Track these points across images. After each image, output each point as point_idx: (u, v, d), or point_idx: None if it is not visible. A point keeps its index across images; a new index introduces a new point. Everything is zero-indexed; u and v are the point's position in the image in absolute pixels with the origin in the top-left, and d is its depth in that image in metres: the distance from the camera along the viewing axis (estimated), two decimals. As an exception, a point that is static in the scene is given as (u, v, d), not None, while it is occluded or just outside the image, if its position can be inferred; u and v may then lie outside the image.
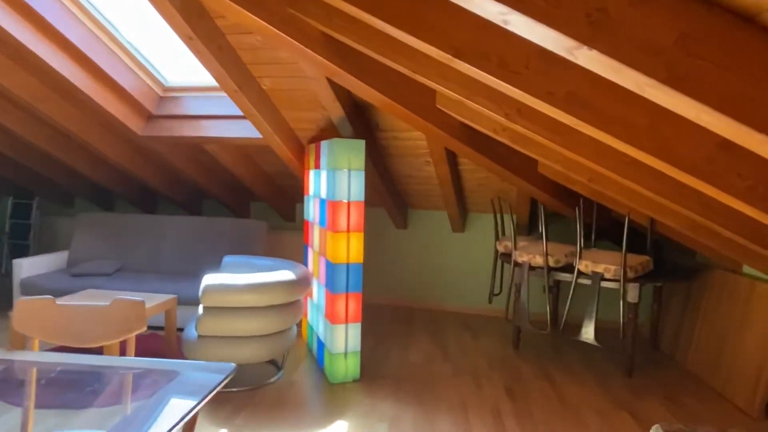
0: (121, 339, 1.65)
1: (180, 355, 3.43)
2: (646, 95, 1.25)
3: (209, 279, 2.87)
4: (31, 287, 4.11)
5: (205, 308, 2.86)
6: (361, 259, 3.16)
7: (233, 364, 1.44)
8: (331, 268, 3.13)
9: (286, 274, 3.03)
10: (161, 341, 3.76)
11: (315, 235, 3.61)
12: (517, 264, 3.74)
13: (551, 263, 3.48)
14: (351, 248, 3.13)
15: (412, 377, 3.29)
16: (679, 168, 1.67)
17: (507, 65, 1.65)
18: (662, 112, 1.62)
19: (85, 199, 5.62)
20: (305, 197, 3.90)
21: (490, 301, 4.29)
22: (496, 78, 1.68)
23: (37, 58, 3.13)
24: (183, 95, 3.94)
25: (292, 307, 3.07)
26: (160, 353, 3.51)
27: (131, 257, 4.65)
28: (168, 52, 3.83)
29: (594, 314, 3.31)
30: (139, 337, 3.82)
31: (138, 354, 3.48)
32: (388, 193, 4.38)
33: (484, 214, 4.85)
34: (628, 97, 1.60)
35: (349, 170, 3.08)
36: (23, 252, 5.71)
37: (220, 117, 3.83)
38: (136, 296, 3.48)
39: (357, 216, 3.12)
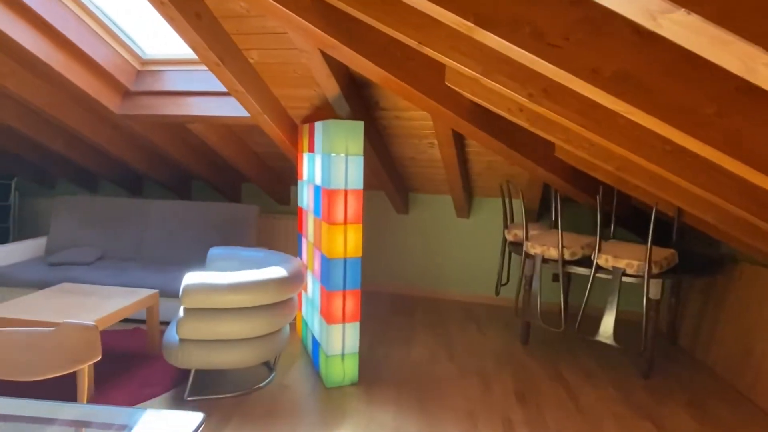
0: (69, 371, 1.36)
1: (163, 355, 3.17)
2: (754, 78, 0.93)
3: (190, 277, 2.58)
4: (4, 278, 3.81)
5: (186, 310, 2.58)
6: (359, 253, 2.86)
7: (202, 415, 1.15)
8: (326, 263, 2.83)
9: (276, 271, 2.74)
10: (144, 338, 3.50)
11: (309, 224, 3.30)
12: (528, 255, 3.45)
13: (567, 256, 3.20)
14: (348, 242, 2.83)
15: (414, 380, 3.04)
16: (749, 165, 1.36)
17: (543, 36, 1.32)
18: (732, 98, 1.31)
19: (68, 181, 5.28)
20: (299, 182, 3.59)
21: (497, 293, 4.02)
22: (528, 51, 1.35)
23: (-6, 26, 2.76)
24: (163, 69, 3.58)
25: (283, 306, 2.79)
26: (142, 352, 3.25)
27: (114, 244, 4.35)
28: (146, 20, 3.45)
29: (614, 313, 3.04)
30: (121, 333, 3.55)
31: (120, 352, 3.21)
32: (388, 177, 4.06)
33: (490, 198, 4.55)
34: (696, 78, 1.28)
35: (347, 155, 2.75)
36: (3, 236, 5.40)
37: (204, 93, 3.47)
38: (119, 289, 3.20)
39: (355, 206, 2.82)
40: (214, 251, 3.26)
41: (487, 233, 4.60)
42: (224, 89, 3.39)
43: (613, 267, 3.04)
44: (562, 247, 3.18)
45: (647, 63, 1.33)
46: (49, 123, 4.15)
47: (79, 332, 1.37)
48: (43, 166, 4.91)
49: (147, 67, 3.59)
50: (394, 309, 4.40)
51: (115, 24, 3.32)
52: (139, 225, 4.39)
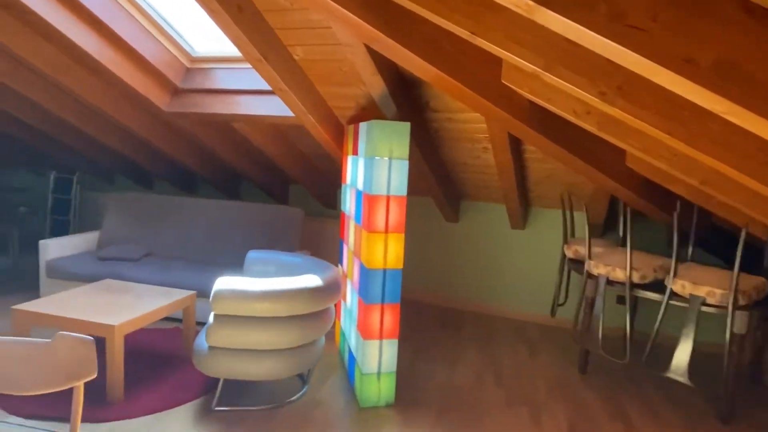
0: (62, 388, 1.23)
1: (197, 359, 3.08)
2: None
3: (221, 282, 2.46)
4: (56, 270, 3.90)
5: (216, 316, 2.46)
6: (400, 265, 2.65)
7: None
8: (365, 273, 2.64)
9: (311, 279, 2.57)
10: (182, 338, 3.44)
11: (350, 231, 3.13)
12: (590, 276, 3.11)
13: (636, 279, 2.84)
14: (389, 251, 2.62)
15: (457, 405, 2.78)
16: None
17: (622, 16, 1.06)
18: None
19: (125, 177, 5.41)
20: (342, 186, 3.42)
21: (553, 314, 3.69)
22: (603, 36, 1.09)
23: (50, 25, 2.78)
24: (212, 67, 3.53)
25: (318, 317, 2.62)
26: (179, 353, 3.18)
27: (161, 241, 4.38)
28: (196, 17, 3.41)
29: (689, 347, 2.65)
30: (160, 332, 3.52)
31: (157, 352, 3.17)
32: (437, 182, 3.82)
33: (549, 209, 4.20)
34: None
35: (390, 159, 2.55)
36: (64, 228, 5.61)
37: (250, 92, 3.39)
38: (156, 288, 3.16)
39: (397, 214, 2.61)
40: (252, 255, 3.15)
41: (544, 247, 4.25)
42: (270, 88, 3.28)
43: (691, 295, 2.65)
44: (631, 268, 2.82)
45: (759, 50, 1.04)
46: (105, 120, 4.23)
47: (74, 347, 1.24)
48: (102, 162, 5.05)
49: (196, 65, 3.55)
50: (440, 323, 4.14)
51: (165, 21, 3.30)
52: (187, 223, 4.39)
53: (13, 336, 2.67)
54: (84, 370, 1.25)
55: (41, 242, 3.97)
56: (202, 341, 2.56)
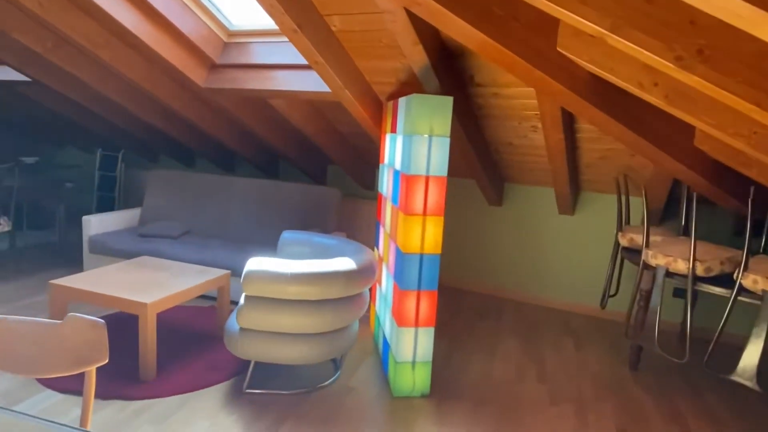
0: (74, 372, 1.16)
1: (230, 339, 3.05)
2: None
3: (253, 263, 2.38)
4: (98, 245, 3.96)
5: (247, 297, 2.39)
6: (438, 250, 2.49)
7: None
8: (400, 258, 2.50)
9: (345, 263, 2.46)
10: (216, 317, 3.42)
11: (387, 213, 2.98)
12: (647, 266, 2.85)
13: (699, 271, 2.57)
14: (427, 235, 2.46)
15: (495, 399, 2.63)
16: None
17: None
18: None
19: (168, 155, 5.45)
20: (380, 165, 3.27)
21: (603, 306, 3.45)
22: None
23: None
24: (249, 41, 3.42)
25: (352, 301, 2.51)
26: (213, 332, 3.16)
27: (200, 219, 4.38)
28: (233, -11, 3.30)
29: (759, 349, 2.39)
30: (197, 310, 3.52)
31: (192, 330, 3.15)
32: (481, 164, 3.61)
33: (601, 194, 3.92)
34: None
35: (430, 136, 2.38)
36: (109, 204, 5.73)
37: (286, 67, 3.27)
38: (192, 266, 3.13)
39: (437, 195, 2.44)
40: (286, 235, 3.07)
41: (595, 234, 3.98)
42: (306, 62, 3.15)
43: (764, 291, 2.37)
44: (695, 260, 2.56)
45: None
46: (145, 97, 4.22)
47: (84, 329, 1.16)
48: (145, 140, 5.09)
49: (233, 39, 3.46)
50: (480, 311, 3.97)
51: (202, -7, 3.21)
52: (225, 202, 4.37)
53: (50, 311, 2.71)
54: (95, 354, 1.17)
55: (84, 218, 4.04)
56: (233, 322, 2.50)
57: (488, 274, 4.37)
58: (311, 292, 2.33)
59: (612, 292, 3.85)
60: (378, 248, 3.31)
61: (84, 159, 6.21)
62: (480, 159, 3.53)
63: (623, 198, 3.63)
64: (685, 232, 3.23)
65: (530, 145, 3.44)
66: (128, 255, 3.87)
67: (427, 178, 2.42)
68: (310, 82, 3.19)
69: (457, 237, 4.45)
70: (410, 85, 2.99)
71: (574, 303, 4.10)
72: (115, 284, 2.72)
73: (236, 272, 3.58)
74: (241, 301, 2.41)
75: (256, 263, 2.37)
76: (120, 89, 4.04)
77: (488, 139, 3.53)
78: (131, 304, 2.51)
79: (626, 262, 3.92)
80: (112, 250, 3.93)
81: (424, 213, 2.44)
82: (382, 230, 3.17)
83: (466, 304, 4.12)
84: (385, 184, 3.08)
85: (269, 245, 4.08)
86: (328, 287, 2.35)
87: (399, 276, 2.53)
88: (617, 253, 3.42)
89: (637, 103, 2.31)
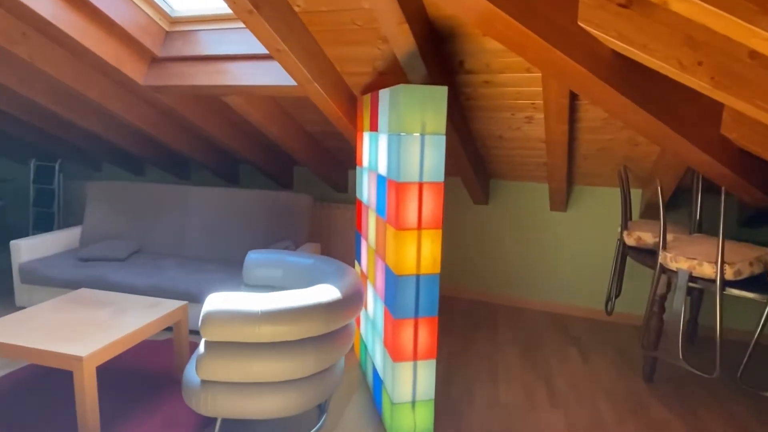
0: None
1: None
2: None
3: (214, 301, 1.93)
4: (31, 274, 3.39)
5: (207, 344, 1.94)
6: (437, 268, 2.10)
7: None
8: (393, 281, 2.10)
9: (326, 292, 2.04)
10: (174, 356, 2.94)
11: (370, 224, 2.57)
12: (665, 269, 2.55)
13: (729, 275, 2.28)
14: (423, 253, 2.07)
15: (508, 436, 2.27)
16: None
17: None
18: None
19: (112, 164, 4.85)
20: (357, 168, 2.86)
21: (609, 312, 3.15)
22: None
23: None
24: (195, 28, 2.93)
25: (336, 337, 2.09)
26: (170, 374, 2.69)
27: (151, 236, 3.85)
28: (174, -31, 2.80)
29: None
30: (149, 345, 3.02)
31: (144, 372, 2.67)
32: (468, 160, 3.24)
33: (594, 187, 3.62)
34: None
35: (423, 135, 1.98)
36: (48, 222, 5.09)
37: (242, 57, 2.80)
38: (141, 299, 2.64)
39: (433, 205, 2.05)
40: (252, 256, 2.62)
41: (589, 230, 3.69)
42: (265, 51, 2.69)
43: (808, 296, 2.09)
44: (723, 262, 2.26)
45: None
46: (78, 99, 3.65)
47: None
48: (85, 147, 4.49)
49: (176, 27, 2.95)
50: (472, 321, 3.62)
51: (135, -27, 2.70)
52: (180, 215, 3.85)
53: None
54: None
55: (12, 243, 3.46)
56: (192, 373, 2.05)
57: (477, 278, 4.02)
58: (287, 332, 1.91)
59: (616, 293, 3.57)
60: (360, 263, 2.90)
61: (18, 171, 5.52)
62: (467, 155, 3.16)
63: (626, 192, 3.34)
64: (699, 229, 2.95)
65: (522, 138, 3.08)
66: (68, 284, 3.32)
67: (421, 185, 2.02)
68: (271, 75, 2.73)
69: (442, 240, 4.07)
70: (390, 75, 2.58)
71: (570, 305, 3.80)
72: (43, 331, 2.21)
73: (195, 298, 3.10)
74: (201, 347, 1.96)
75: (218, 301, 1.92)
76: (47, 91, 3.46)
77: (475, 133, 3.16)
78: (62, 358, 2.02)
79: (628, 258, 3.64)
80: (47, 279, 3.37)
81: (419, 227, 2.05)
82: (364, 243, 2.76)
83: (456, 313, 3.76)
84: (366, 190, 2.66)
85: (233, 262, 3.61)
86: (308, 324, 1.93)
87: (392, 302, 2.13)
88: (620, 253, 3.12)
89: (662, 86, 1.97)
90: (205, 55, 2.84)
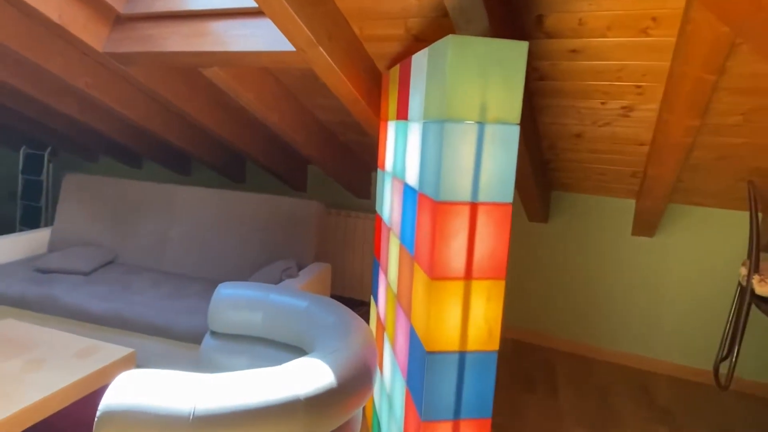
0: None
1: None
2: None
3: (119, 391, 1.17)
4: (-25, 288, 2.74)
5: (112, 454, 1.18)
6: (495, 344, 1.29)
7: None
8: (421, 358, 1.30)
9: (310, 376, 1.25)
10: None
11: (392, 255, 1.77)
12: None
13: None
14: (474, 318, 1.26)
15: None
16: None
17: None
18: None
19: (108, 154, 4.21)
20: (378, 172, 2.07)
21: (716, 375, 2.27)
22: None
23: None
24: (171, -21, 2.19)
25: (328, 441, 1.31)
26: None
27: (129, 244, 3.16)
28: None
29: None
30: (82, 402, 2.31)
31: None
32: (532, 166, 2.41)
33: (694, 207, 2.73)
34: None
35: (482, 124, 1.17)
36: (34, 217, 4.51)
37: (225, 14, 2.04)
38: (74, 340, 1.94)
39: (495, 240, 1.23)
40: (224, 292, 1.86)
41: (684, 263, 2.79)
42: (255, 4, 1.93)
43: None
44: None
45: None
46: (43, 73, 2.99)
47: None
48: (75, 136, 3.87)
49: (147, -23, 2.23)
50: (523, 374, 2.78)
51: None
52: (164, 220, 3.16)
53: None
54: None
55: (-43, 247, 2.82)
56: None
57: (529, 316, 3.17)
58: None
59: (724, 353, 2.66)
60: (377, 304, 2.11)
61: (10, 159, 4.97)
62: (531, 159, 2.33)
63: (755, 218, 2.43)
64: None
65: (610, 138, 2.23)
66: (15, 302, 2.65)
67: (475, 207, 1.21)
68: (264, 38, 1.96)
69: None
70: (432, 33, 1.77)
71: (655, 360, 2.91)
72: None
73: (162, 332, 2.38)
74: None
75: (127, 389, 1.16)
76: (8, 66, 2.81)
77: (543, 128, 2.32)
78: None
79: (750, 308, 2.72)
80: (-5, 294, 2.71)
81: (468, 275, 1.24)
82: (383, 279, 1.96)
83: (501, 360, 2.92)
84: (387, 204, 1.87)
85: (218, 283, 2.87)
86: (296, 425, 1.15)
87: (418, 391, 1.33)
88: (742, 300, 2.23)
89: None
90: (178, 12, 2.10)
